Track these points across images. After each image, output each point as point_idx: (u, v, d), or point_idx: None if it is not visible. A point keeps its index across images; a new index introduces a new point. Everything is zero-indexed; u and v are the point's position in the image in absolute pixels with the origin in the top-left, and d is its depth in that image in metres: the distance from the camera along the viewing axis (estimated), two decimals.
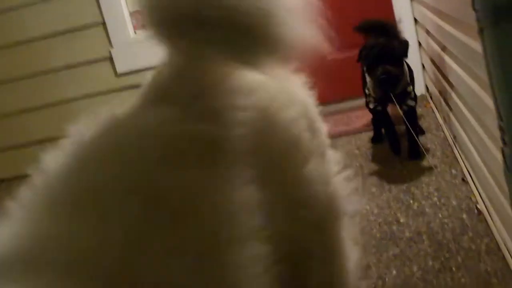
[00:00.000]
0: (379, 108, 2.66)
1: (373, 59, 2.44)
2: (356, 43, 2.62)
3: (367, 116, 3.13)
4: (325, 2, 1.01)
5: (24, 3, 3.59)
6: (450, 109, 2.58)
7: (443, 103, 2.83)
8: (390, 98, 2.51)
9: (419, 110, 3.20)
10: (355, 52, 2.59)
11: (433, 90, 3.24)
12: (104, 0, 3.54)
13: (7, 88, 3.78)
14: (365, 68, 2.59)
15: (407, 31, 3.43)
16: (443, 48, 2.52)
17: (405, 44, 2.53)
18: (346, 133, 3.18)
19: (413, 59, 3.47)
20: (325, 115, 1.17)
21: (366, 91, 2.71)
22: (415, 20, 3.40)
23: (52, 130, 3.80)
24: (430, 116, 3.10)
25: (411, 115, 2.60)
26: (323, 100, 1.19)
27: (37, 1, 3.58)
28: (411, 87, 2.62)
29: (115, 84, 3.69)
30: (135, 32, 3.64)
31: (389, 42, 2.45)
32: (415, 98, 2.63)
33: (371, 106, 2.68)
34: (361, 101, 2.97)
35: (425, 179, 2.35)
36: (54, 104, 3.77)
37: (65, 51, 3.67)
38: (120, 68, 3.65)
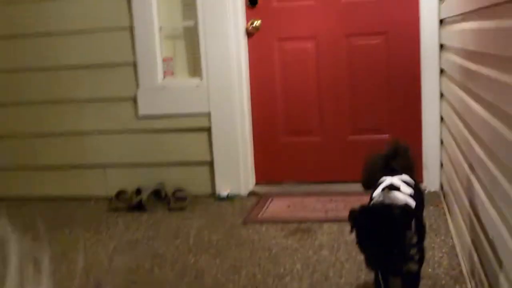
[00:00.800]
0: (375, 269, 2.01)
1: (366, 233, 1.82)
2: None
3: None
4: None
5: (61, 31, 3.66)
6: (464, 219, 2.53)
7: (456, 208, 2.78)
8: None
9: (430, 208, 3.14)
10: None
11: (448, 190, 3.18)
12: (140, 41, 3.59)
13: (27, 110, 3.82)
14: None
15: (433, 129, 3.42)
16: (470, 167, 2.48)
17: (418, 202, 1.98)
18: None
19: (434, 155, 3.44)
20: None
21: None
22: (441, 118, 3.39)
23: (60, 158, 3.84)
24: (441, 219, 3.02)
25: (412, 283, 2.00)
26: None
27: (74, 31, 3.65)
28: (415, 249, 1.93)
29: (134, 125, 3.70)
30: (163, 78, 3.66)
31: (390, 209, 1.82)
32: (420, 260, 1.96)
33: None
34: None
35: None
36: (69, 134, 3.79)
37: (91, 84, 3.71)
38: (142, 110, 3.66)
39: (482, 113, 2.39)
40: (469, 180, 2.49)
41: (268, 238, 2.90)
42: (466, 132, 2.67)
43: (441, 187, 3.45)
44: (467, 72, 2.62)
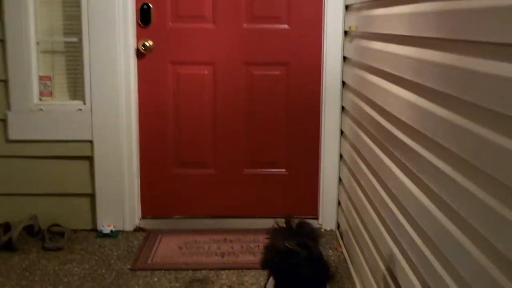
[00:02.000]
0: None
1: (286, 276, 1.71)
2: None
3: None
4: None
5: None
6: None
7: (359, 253, 2.69)
8: None
9: (329, 253, 3.03)
10: None
11: (346, 230, 3.10)
12: (12, 56, 3.14)
13: None
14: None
15: (332, 165, 3.32)
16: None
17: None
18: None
19: (331, 192, 3.36)
20: None
21: None
22: (340, 155, 3.30)
23: None
24: (343, 267, 2.92)
25: None
26: None
27: None
28: None
29: (3, 150, 3.24)
30: (40, 99, 3.24)
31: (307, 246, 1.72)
32: None
33: None
34: None
35: None
36: None
37: None
38: (13, 135, 3.21)
39: (375, 149, 2.34)
40: (372, 220, 2.41)
41: None
42: (365, 168, 2.59)
43: (338, 225, 3.36)
44: (361, 111, 2.57)
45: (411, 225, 1.85)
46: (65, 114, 3.22)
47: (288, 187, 3.45)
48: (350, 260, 2.93)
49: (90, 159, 3.28)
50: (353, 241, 2.89)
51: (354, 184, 2.88)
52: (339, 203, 3.35)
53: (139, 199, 3.43)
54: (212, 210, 3.48)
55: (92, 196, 3.33)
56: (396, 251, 2.06)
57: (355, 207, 2.85)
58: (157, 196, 3.46)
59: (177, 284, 2.70)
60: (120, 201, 3.32)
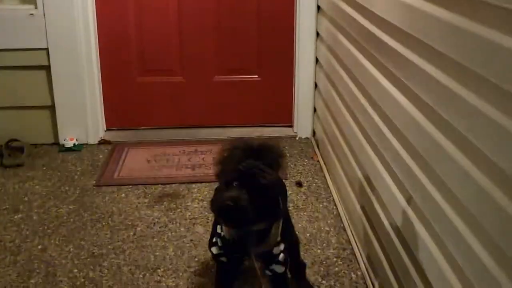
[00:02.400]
0: (224, 259, 1.72)
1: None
2: None
3: None
4: None
5: None
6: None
7: (335, 161, 2.56)
8: (245, 251, 1.61)
9: (304, 162, 2.91)
10: None
11: (322, 138, 2.96)
12: None
13: None
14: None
15: (307, 70, 3.13)
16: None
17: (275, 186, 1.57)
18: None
19: (306, 99, 3.19)
20: None
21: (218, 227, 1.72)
22: (316, 59, 3.10)
23: None
24: (319, 176, 2.79)
25: (280, 285, 1.75)
26: None
27: None
28: (282, 245, 1.69)
29: None
30: None
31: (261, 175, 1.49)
32: (285, 262, 1.70)
33: (214, 251, 1.71)
34: None
35: None
36: None
37: None
38: None
39: (356, 53, 2.17)
40: (351, 129, 2.27)
41: (130, 210, 2.48)
42: (344, 75, 2.42)
43: (313, 133, 3.22)
44: (340, 11, 2.38)
45: (397, 138, 1.70)
46: (16, 20, 2.92)
47: (261, 94, 3.26)
48: (327, 169, 2.80)
49: (46, 68, 3.02)
50: (330, 149, 2.76)
51: (332, 90, 2.71)
52: (315, 110, 3.18)
53: (102, 110, 3.22)
54: (182, 120, 3.29)
55: (51, 108, 3.10)
56: (377, 162, 1.92)
57: (332, 115, 2.70)
58: (122, 106, 3.25)
59: (146, 200, 2.56)
60: (82, 112, 3.11)
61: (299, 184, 2.68)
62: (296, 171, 2.82)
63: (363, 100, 2.09)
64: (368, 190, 2.04)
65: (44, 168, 2.89)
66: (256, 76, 3.23)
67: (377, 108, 1.90)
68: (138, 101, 3.25)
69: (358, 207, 2.18)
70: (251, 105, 3.27)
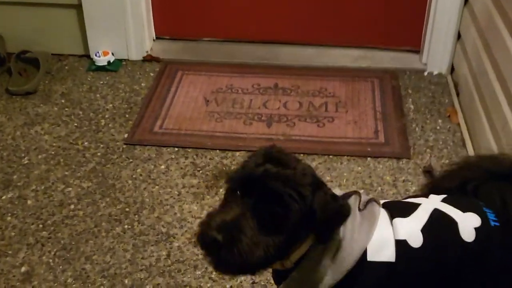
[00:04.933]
0: None
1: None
2: None
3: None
4: None
5: None
6: None
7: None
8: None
9: (436, 124, 1.91)
10: None
11: (466, 79, 1.94)
12: None
13: None
14: None
15: None
16: None
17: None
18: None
19: (447, 19, 2.13)
20: None
21: None
22: None
23: None
24: (457, 137, 1.82)
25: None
26: None
27: None
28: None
29: None
30: None
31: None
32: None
33: None
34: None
35: None
36: None
37: None
38: None
39: None
40: None
41: (168, 200, 1.64)
42: None
43: (452, 69, 2.17)
44: None
45: None
46: None
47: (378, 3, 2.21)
48: (472, 142, 1.82)
49: None
50: (478, 103, 1.77)
51: (492, 10, 1.66)
52: (459, 36, 2.11)
53: (150, 11, 2.28)
54: (258, 32, 2.31)
55: (79, 8, 2.20)
56: None
57: (489, 47, 1.68)
58: (179, 7, 2.29)
59: (194, 181, 1.70)
60: (120, 16, 2.19)
61: (428, 172, 1.73)
62: (422, 141, 1.85)
63: None
64: None
65: (63, 101, 2.06)
66: None
67: None
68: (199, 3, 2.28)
69: None
70: (358, 16, 2.23)
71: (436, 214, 0.93)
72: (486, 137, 1.69)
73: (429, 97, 2.05)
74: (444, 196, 0.99)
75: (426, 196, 0.99)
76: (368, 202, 0.95)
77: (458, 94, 2.05)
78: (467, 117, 1.92)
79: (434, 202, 0.96)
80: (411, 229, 0.91)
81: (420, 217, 0.93)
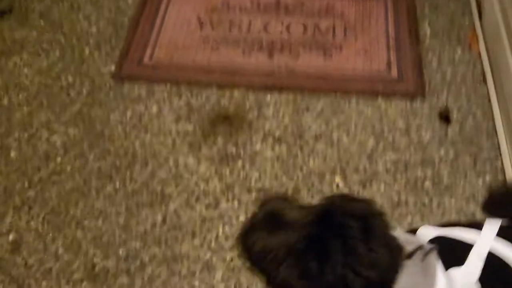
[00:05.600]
0: None
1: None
2: None
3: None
4: None
5: None
6: None
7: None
8: None
9: (454, 56, 1.74)
10: None
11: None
12: None
13: None
14: None
15: None
16: None
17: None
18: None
19: None
20: None
21: None
22: None
23: None
24: (480, 95, 1.66)
25: None
26: None
27: None
28: None
29: None
30: None
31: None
32: None
33: None
34: None
35: None
36: None
37: None
38: None
39: None
40: None
41: (161, 150, 1.52)
42: None
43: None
44: None
45: None
46: None
47: None
48: (492, 72, 1.66)
49: None
50: (503, 29, 1.60)
51: None
52: None
53: None
54: None
55: None
56: None
57: None
58: None
59: (188, 128, 1.57)
60: None
61: (445, 118, 1.59)
62: (439, 76, 1.69)
63: None
64: None
65: (42, 21, 1.85)
66: None
67: None
68: None
69: None
70: None
71: (492, 261, 0.81)
72: (510, 73, 1.53)
73: (448, 19, 1.85)
74: (500, 226, 0.85)
75: (479, 226, 0.86)
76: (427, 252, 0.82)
77: (480, 17, 1.84)
78: (489, 46, 1.73)
79: (487, 241, 0.83)
80: (467, 282, 0.81)
81: (474, 266, 0.81)
